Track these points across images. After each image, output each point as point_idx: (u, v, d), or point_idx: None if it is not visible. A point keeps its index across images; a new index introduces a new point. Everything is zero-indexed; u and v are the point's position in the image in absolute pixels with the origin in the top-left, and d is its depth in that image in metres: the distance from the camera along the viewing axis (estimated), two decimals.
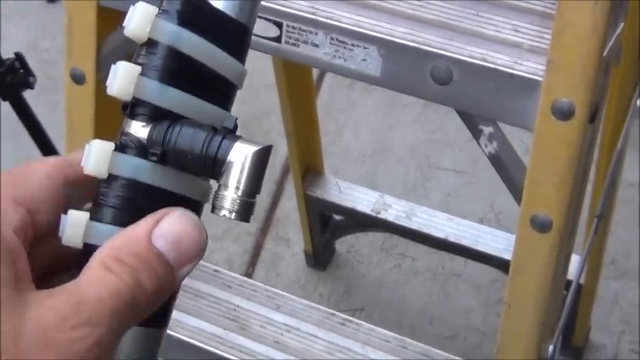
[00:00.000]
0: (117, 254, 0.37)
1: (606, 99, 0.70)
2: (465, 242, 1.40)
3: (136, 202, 0.40)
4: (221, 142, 0.39)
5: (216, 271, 0.97)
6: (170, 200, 0.40)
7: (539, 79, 0.65)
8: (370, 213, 1.44)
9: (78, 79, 0.82)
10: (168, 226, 0.38)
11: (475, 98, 0.67)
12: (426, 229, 1.42)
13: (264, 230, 1.74)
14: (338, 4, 0.71)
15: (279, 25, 0.72)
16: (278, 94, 1.31)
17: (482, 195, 1.75)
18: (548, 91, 0.64)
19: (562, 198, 0.68)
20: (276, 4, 0.71)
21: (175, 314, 0.92)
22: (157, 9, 0.40)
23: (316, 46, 0.71)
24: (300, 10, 0.71)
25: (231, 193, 0.39)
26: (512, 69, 0.66)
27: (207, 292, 0.95)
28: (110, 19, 0.80)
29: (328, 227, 1.57)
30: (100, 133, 0.83)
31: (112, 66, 0.40)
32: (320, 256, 1.65)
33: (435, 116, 1.85)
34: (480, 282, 1.63)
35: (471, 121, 0.69)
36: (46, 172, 0.41)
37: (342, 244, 1.69)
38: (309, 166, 1.47)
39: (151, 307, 0.38)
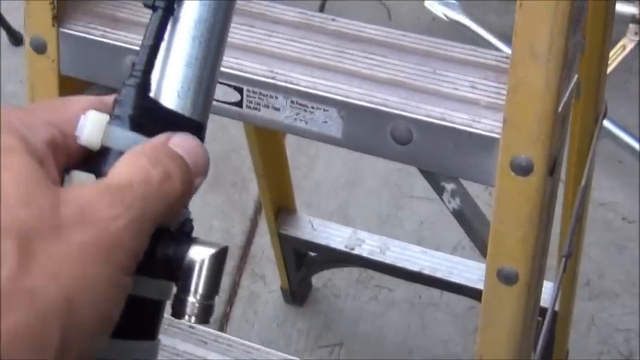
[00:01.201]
0: (145, 151, 0.39)
1: (564, 149, 0.70)
2: (439, 274, 1.40)
3: None
4: (178, 245, 0.39)
5: (191, 327, 0.97)
6: (131, 304, 0.41)
7: (497, 136, 0.66)
8: (344, 249, 1.45)
9: None
10: (182, 140, 0.41)
11: (436, 157, 0.68)
12: (400, 263, 1.42)
13: (239, 268, 1.74)
14: (295, 67, 0.72)
15: (240, 90, 0.72)
16: (246, 137, 1.31)
17: (455, 222, 1.75)
18: (506, 149, 0.65)
19: (526, 250, 0.68)
20: (235, 70, 0.72)
21: None
22: (109, 116, 0.41)
23: (277, 109, 0.71)
24: (259, 75, 0.72)
25: (190, 298, 0.39)
26: (471, 127, 0.67)
27: (184, 349, 0.95)
28: (72, 86, 0.81)
29: (303, 264, 1.57)
30: None
31: (66, 175, 0.40)
32: (297, 293, 1.65)
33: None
34: (458, 310, 1.64)
35: (434, 179, 0.70)
36: (83, 107, 0.41)
37: (318, 279, 1.69)
38: (281, 204, 1.47)
39: (176, 206, 0.39)
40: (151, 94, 0.42)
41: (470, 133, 0.66)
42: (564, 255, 0.87)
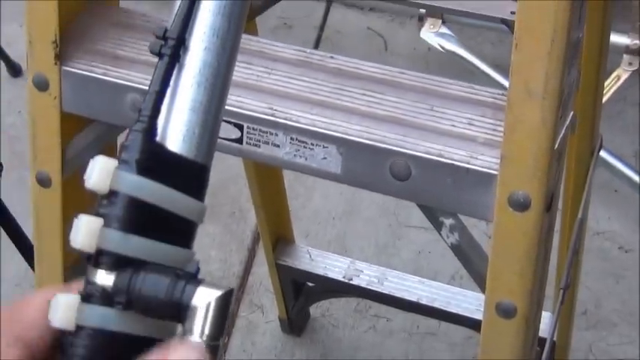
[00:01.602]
0: None
1: (561, 184, 0.71)
2: (437, 304, 1.41)
3: (104, 351, 0.41)
4: (184, 288, 0.40)
5: None
6: (138, 343, 0.41)
7: (495, 172, 0.67)
8: (342, 279, 1.45)
9: (44, 182, 0.83)
10: None
11: (434, 192, 0.69)
12: (398, 293, 1.43)
13: (237, 298, 1.74)
14: (295, 104, 0.73)
15: (240, 127, 0.73)
16: (244, 169, 1.32)
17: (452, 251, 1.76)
18: (503, 185, 0.66)
19: (524, 284, 0.69)
20: (236, 107, 0.73)
21: None
22: (116, 160, 0.42)
23: (277, 146, 0.72)
24: (259, 112, 0.73)
25: (196, 339, 0.40)
26: (469, 164, 0.68)
27: None
28: (74, 122, 0.82)
29: (301, 294, 1.58)
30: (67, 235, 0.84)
31: (75, 219, 0.41)
32: (295, 322, 1.66)
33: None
34: (456, 339, 1.64)
35: (432, 214, 0.71)
36: (38, 307, 0.42)
37: (316, 309, 1.70)
38: (279, 235, 1.48)
39: None
40: (157, 139, 0.43)
41: (467, 169, 0.67)
42: (562, 287, 0.87)
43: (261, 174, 1.31)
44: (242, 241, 1.83)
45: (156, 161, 0.42)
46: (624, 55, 1.81)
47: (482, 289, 0.71)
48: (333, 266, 1.47)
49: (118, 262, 0.41)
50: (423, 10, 1.97)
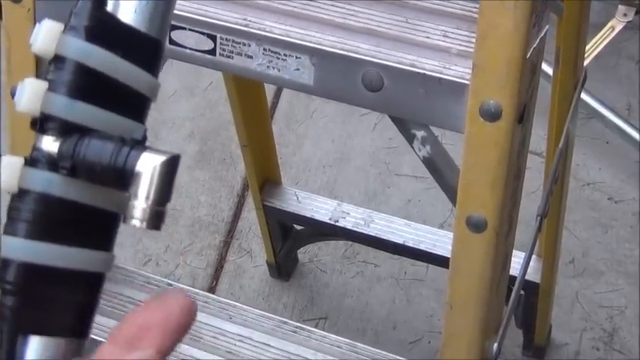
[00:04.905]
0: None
1: (535, 99, 0.71)
2: (423, 247, 1.41)
3: (49, 216, 0.41)
4: (129, 153, 0.40)
5: (169, 284, 0.98)
6: (84, 213, 0.41)
7: (467, 82, 0.66)
8: (329, 221, 1.45)
9: None
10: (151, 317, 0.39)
11: (406, 103, 0.68)
12: (384, 235, 1.43)
13: (226, 243, 1.74)
14: (269, 16, 0.72)
15: (213, 38, 0.73)
16: (230, 107, 1.32)
17: (442, 199, 1.75)
18: (475, 94, 0.65)
19: (495, 197, 0.69)
20: (209, 18, 0.72)
21: None
22: (63, 25, 0.41)
23: (250, 57, 0.72)
24: (232, 23, 0.72)
25: (141, 203, 0.40)
26: (441, 73, 0.67)
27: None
28: None
29: (289, 237, 1.58)
30: None
31: (19, 83, 0.40)
32: (283, 267, 1.66)
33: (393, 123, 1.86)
34: (442, 286, 1.64)
35: (404, 126, 0.70)
36: None
37: (304, 254, 1.70)
38: (266, 177, 1.48)
39: None
40: (108, 9, 0.43)
41: (440, 79, 0.67)
42: (539, 214, 0.87)
43: (246, 109, 1.31)
44: (232, 188, 1.83)
45: (105, 30, 0.42)
46: (619, 6, 1.80)
47: (454, 203, 0.71)
48: (319, 208, 1.47)
49: (64, 129, 0.41)
50: None
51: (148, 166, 0.39)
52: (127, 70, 0.42)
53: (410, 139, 0.70)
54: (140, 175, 0.39)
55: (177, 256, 1.72)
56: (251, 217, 1.75)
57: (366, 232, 1.44)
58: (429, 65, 0.67)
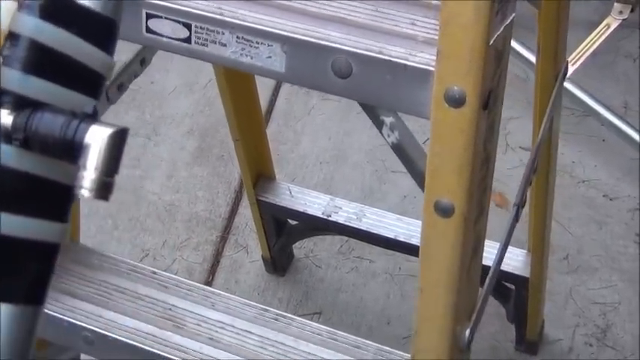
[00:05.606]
0: None
1: (504, 85, 0.72)
2: (414, 241, 1.42)
3: (3, 187, 0.42)
4: (78, 125, 0.42)
5: (154, 272, 1.00)
6: (37, 184, 0.43)
7: (432, 69, 0.67)
8: (321, 216, 1.47)
9: None
10: None
11: (374, 90, 0.70)
12: (376, 230, 1.44)
13: (223, 238, 1.76)
14: (243, 4, 0.74)
15: (189, 27, 0.74)
16: (222, 102, 1.33)
17: None
18: (439, 80, 0.67)
19: (462, 183, 0.70)
20: (184, 7, 0.74)
21: (113, 316, 0.94)
22: (18, 3, 0.43)
23: (224, 45, 0.74)
24: (207, 11, 0.74)
25: (89, 174, 0.41)
26: (407, 60, 0.69)
27: (145, 293, 0.97)
28: None
29: (283, 232, 1.59)
30: None
31: None
32: (278, 262, 1.67)
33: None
34: None
35: (373, 113, 0.72)
36: None
37: (300, 250, 1.71)
38: (260, 172, 1.49)
39: None
40: None
41: (405, 65, 0.68)
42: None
43: (238, 106, 1.33)
44: (229, 184, 1.85)
45: (59, 8, 0.44)
46: (615, 4, 1.81)
47: (422, 188, 0.72)
48: (312, 203, 1.48)
49: (18, 103, 0.42)
50: None
51: (96, 137, 0.41)
52: (80, 47, 0.44)
53: (379, 125, 0.72)
54: (89, 146, 0.41)
55: (174, 251, 1.74)
56: (248, 213, 1.77)
57: (358, 227, 1.45)
58: (395, 52, 0.69)
